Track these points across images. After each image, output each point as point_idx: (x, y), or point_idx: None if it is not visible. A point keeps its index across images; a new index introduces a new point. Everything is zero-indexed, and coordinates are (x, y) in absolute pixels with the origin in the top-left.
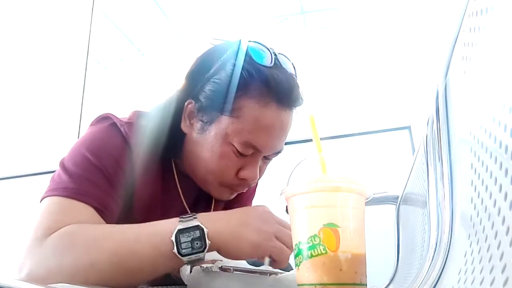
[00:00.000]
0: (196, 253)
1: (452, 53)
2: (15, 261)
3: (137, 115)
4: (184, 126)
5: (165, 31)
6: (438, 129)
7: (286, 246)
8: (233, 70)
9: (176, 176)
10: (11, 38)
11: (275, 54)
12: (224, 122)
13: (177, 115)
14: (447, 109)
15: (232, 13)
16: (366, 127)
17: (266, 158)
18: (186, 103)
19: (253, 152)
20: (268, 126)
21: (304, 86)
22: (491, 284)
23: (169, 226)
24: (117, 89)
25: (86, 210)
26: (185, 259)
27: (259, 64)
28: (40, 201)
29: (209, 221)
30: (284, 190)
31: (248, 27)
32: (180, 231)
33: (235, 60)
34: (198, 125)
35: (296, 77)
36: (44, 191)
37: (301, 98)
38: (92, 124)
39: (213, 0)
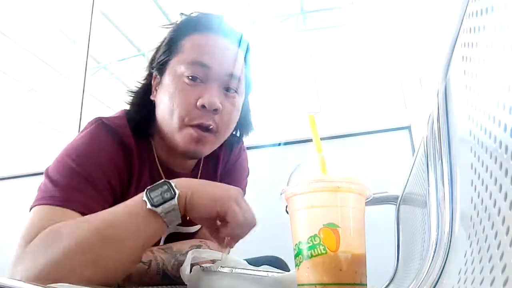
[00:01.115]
0: (167, 200)
1: (452, 53)
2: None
3: (125, 113)
4: (152, 96)
5: (165, 31)
6: (438, 129)
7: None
8: (175, 27)
9: (160, 169)
10: (11, 38)
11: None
12: (173, 63)
13: (149, 94)
14: (447, 109)
15: (232, 13)
16: (366, 127)
17: (226, 90)
18: (152, 79)
19: (205, 76)
20: (206, 44)
21: (304, 85)
22: (491, 284)
23: (140, 194)
24: (117, 89)
25: (74, 217)
26: (159, 209)
27: (191, 14)
28: (30, 210)
29: (177, 180)
30: (284, 190)
31: (248, 27)
32: (150, 189)
33: (176, 22)
34: (159, 86)
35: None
36: (32, 201)
37: (241, 36)
38: (80, 132)
39: (213, 0)
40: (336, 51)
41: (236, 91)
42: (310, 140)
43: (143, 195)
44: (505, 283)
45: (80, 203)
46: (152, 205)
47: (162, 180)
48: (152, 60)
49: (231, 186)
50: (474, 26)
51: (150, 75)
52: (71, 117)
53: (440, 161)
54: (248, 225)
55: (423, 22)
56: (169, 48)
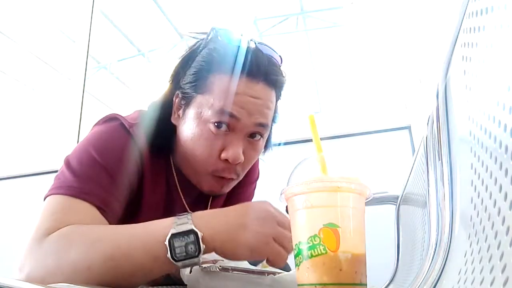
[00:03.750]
0: (190, 258)
1: (452, 53)
2: (16, 260)
3: (142, 115)
4: (173, 119)
5: (165, 31)
6: (438, 129)
7: (284, 248)
8: (206, 53)
9: (175, 175)
10: (11, 38)
11: (252, 40)
12: (199, 100)
13: (167, 112)
14: (447, 109)
15: (232, 13)
16: (366, 127)
17: (251, 137)
18: (174, 97)
19: (232, 127)
20: (239, 93)
21: (304, 86)
22: (491, 284)
23: (163, 229)
24: (117, 89)
25: (88, 209)
26: (179, 264)
27: (228, 44)
28: (44, 199)
29: (204, 223)
30: (284, 190)
31: (249, 27)
32: (174, 236)
33: (208, 44)
34: (181, 112)
35: (274, 59)
36: (48, 189)
37: (278, 75)
38: (98, 124)
39: (213, 0)
40: (336, 51)
41: (261, 136)
42: (310, 140)
43: (165, 237)
44: (505, 283)
45: (97, 196)
46: (173, 258)
47: (190, 225)
48: (176, 74)
49: (257, 209)
50: (474, 26)
51: (172, 93)
52: (71, 117)
53: (440, 161)
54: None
55: (423, 22)
56: (197, 80)
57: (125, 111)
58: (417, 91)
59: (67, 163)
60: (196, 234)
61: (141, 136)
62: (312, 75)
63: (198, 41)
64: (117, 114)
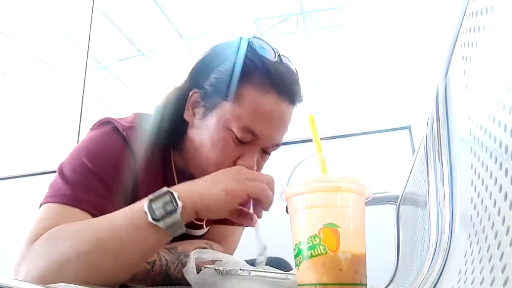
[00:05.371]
0: (169, 214)
1: (452, 53)
2: (13, 263)
3: (138, 117)
4: (187, 115)
5: (165, 31)
6: (438, 129)
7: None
8: (237, 60)
9: (174, 173)
10: (11, 38)
11: (278, 52)
12: (225, 107)
13: (180, 107)
14: (447, 109)
15: (232, 13)
16: (366, 127)
17: (265, 152)
18: (191, 93)
19: (252, 140)
20: (267, 113)
21: (304, 86)
22: (491, 284)
23: (141, 201)
24: (117, 89)
25: (81, 216)
26: (160, 224)
27: (263, 56)
28: (39, 207)
29: (179, 186)
30: (284, 190)
31: (249, 27)
32: (151, 200)
33: (240, 51)
34: (200, 112)
35: (297, 77)
36: (43, 197)
37: (301, 95)
38: (92, 129)
39: (213, 0)
40: (336, 51)
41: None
42: (310, 140)
43: (144, 205)
44: (505, 283)
45: (90, 203)
46: (153, 218)
47: (165, 189)
48: (197, 72)
49: (226, 168)
50: (474, 26)
51: (188, 89)
52: (71, 117)
53: (440, 161)
54: (271, 187)
55: (423, 22)
56: (226, 86)
57: (125, 111)
58: (417, 91)
59: (61, 171)
60: (171, 193)
61: (136, 139)
62: (312, 75)
63: (225, 45)
64: (111, 118)
